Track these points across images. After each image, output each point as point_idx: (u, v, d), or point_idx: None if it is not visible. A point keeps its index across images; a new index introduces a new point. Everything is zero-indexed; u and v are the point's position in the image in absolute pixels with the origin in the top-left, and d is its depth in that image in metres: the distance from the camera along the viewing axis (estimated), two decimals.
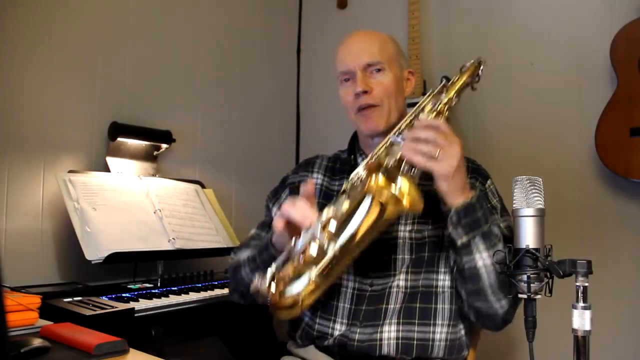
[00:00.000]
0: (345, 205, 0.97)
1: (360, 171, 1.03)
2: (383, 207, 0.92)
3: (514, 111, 2.06)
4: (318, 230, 0.95)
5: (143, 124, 1.95)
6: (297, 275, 0.96)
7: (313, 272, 0.95)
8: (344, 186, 1.05)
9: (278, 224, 1.02)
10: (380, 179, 0.92)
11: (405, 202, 0.92)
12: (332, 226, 0.96)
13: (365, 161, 1.05)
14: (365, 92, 1.16)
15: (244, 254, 1.20)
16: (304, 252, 0.96)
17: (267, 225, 1.30)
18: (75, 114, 1.81)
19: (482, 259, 1.01)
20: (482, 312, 1.08)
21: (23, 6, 1.67)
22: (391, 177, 0.96)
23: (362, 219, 0.94)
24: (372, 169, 0.97)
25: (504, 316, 1.07)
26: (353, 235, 0.94)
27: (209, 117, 2.27)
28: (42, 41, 1.72)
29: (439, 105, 1.05)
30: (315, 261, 0.95)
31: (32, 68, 1.69)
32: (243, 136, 2.43)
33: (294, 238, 1.00)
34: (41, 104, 1.71)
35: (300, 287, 0.95)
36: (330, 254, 0.94)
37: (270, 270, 0.99)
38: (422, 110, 1.06)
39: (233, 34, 2.41)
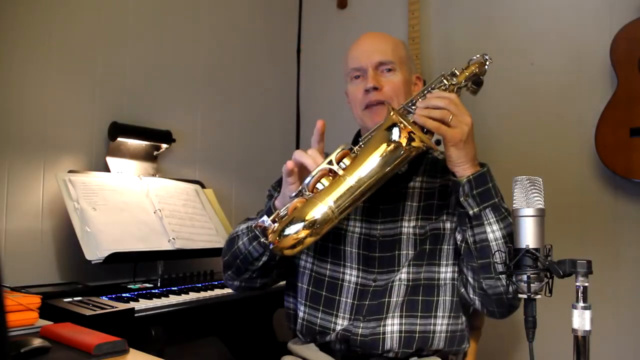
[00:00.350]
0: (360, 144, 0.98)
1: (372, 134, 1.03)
2: (411, 137, 0.92)
3: (513, 111, 2.06)
4: (333, 157, 0.94)
5: (143, 124, 1.95)
6: (308, 205, 0.92)
7: (327, 201, 0.91)
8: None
9: (288, 164, 1.01)
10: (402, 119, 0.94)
11: (420, 140, 0.93)
12: (348, 156, 0.96)
13: (374, 128, 1.04)
14: (375, 88, 1.17)
15: (242, 225, 1.18)
16: (310, 181, 0.94)
17: (265, 214, 1.30)
18: (75, 114, 1.81)
19: (493, 231, 1.02)
20: (489, 291, 1.05)
21: (23, 6, 1.67)
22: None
23: (385, 146, 0.93)
24: (389, 107, 0.97)
25: (512, 297, 1.05)
26: (372, 162, 0.93)
27: (209, 117, 2.27)
28: (42, 41, 1.72)
29: (449, 86, 1.07)
30: (327, 189, 0.93)
31: (32, 68, 1.69)
32: (243, 136, 2.43)
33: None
34: (41, 104, 1.71)
35: (317, 214, 0.91)
36: (344, 181, 0.92)
37: (275, 210, 0.98)
38: (432, 89, 1.07)
39: (233, 34, 2.41)
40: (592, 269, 0.84)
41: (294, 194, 0.98)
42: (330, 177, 0.95)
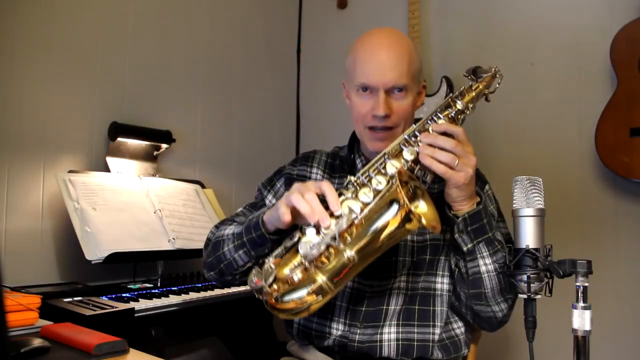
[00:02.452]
0: (360, 207, 0.93)
1: (370, 171, 0.99)
2: (408, 217, 0.89)
3: (514, 111, 2.06)
4: (336, 232, 0.90)
5: (143, 124, 1.95)
6: (306, 278, 0.90)
7: (324, 278, 0.89)
8: (349, 179, 1.00)
9: (285, 216, 0.95)
10: (404, 191, 0.89)
11: (425, 221, 0.90)
12: (352, 229, 0.92)
13: (375, 160, 1.01)
14: (386, 116, 1.11)
15: (228, 230, 1.13)
16: (314, 254, 0.91)
17: (256, 207, 1.27)
18: (75, 114, 1.81)
19: (486, 264, 1.01)
20: (480, 314, 1.09)
21: (23, 6, 1.67)
22: (414, 194, 0.95)
23: (386, 224, 0.90)
24: (399, 177, 0.93)
25: (501, 318, 1.09)
26: (374, 241, 0.90)
27: (209, 117, 2.27)
28: (42, 41, 1.72)
29: (454, 112, 1.05)
30: (329, 266, 0.90)
31: (33, 68, 1.69)
32: (243, 136, 2.43)
33: (297, 234, 0.95)
34: (41, 104, 1.71)
35: (308, 292, 0.90)
36: (345, 259, 0.89)
37: (270, 268, 0.94)
38: (438, 114, 1.05)
39: (233, 34, 2.41)
40: (592, 269, 0.84)
41: (285, 248, 0.96)
42: (332, 252, 0.92)
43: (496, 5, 2.13)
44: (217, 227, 1.23)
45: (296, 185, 0.97)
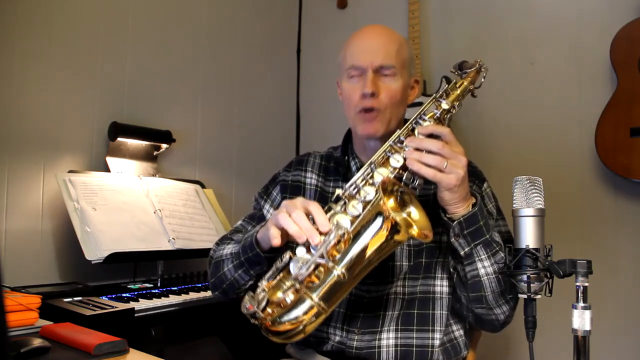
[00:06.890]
0: (349, 221, 0.91)
1: (358, 182, 0.98)
2: (395, 229, 0.87)
3: (514, 111, 2.06)
4: (324, 250, 0.88)
5: (143, 124, 1.95)
6: (298, 300, 0.88)
7: (316, 297, 0.87)
8: (336, 193, 0.99)
9: (275, 239, 0.94)
10: (392, 201, 0.87)
11: (416, 229, 0.88)
12: (339, 247, 0.89)
13: (362, 171, 1.00)
14: (372, 94, 1.10)
15: (227, 249, 1.13)
16: (304, 274, 0.89)
17: (254, 218, 1.27)
18: (75, 114, 1.81)
19: (484, 267, 1.00)
20: (482, 317, 1.08)
21: (23, 6, 1.67)
22: (403, 201, 0.94)
23: (372, 239, 0.88)
24: (382, 187, 0.90)
25: (504, 320, 1.07)
26: (362, 256, 0.88)
27: (209, 117, 2.27)
28: (43, 41, 1.72)
29: (439, 113, 1.04)
30: (320, 285, 0.88)
31: (33, 68, 1.69)
32: (243, 136, 2.43)
33: (288, 254, 0.93)
34: (41, 104, 1.71)
35: (301, 313, 0.87)
36: (335, 277, 0.87)
37: (263, 292, 0.91)
38: (423, 117, 1.04)
39: (233, 34, 2.41)
40: (592, 269, 0.84)
41: (277, 269, 0.94)
42: (322, 270, 0.89)
43: (496, 5, 2.13)
44: (217, 244, 1.22)
45: (284, 203, 0.96)
